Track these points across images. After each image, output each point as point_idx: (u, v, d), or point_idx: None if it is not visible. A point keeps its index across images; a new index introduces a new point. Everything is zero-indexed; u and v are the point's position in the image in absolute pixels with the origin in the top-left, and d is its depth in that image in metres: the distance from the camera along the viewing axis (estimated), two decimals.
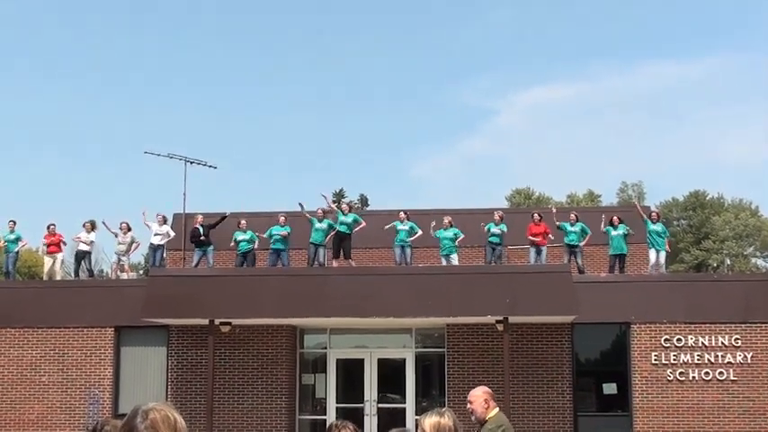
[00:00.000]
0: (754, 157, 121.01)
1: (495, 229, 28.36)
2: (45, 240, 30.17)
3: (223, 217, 29.89)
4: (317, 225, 28.54)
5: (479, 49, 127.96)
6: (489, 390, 9.04)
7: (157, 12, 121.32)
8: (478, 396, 8.86)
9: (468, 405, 8.87)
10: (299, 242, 29.66)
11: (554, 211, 31.16)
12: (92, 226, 29.76)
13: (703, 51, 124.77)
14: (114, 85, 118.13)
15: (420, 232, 28.70)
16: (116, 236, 29.75)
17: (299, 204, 29.36)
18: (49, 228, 29.91)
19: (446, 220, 28.50)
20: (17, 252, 30.68)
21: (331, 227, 28.57)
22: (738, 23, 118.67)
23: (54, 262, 30.16)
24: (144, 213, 30.36)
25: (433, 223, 28.90)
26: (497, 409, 8.97)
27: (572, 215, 28.82)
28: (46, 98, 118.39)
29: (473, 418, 8.80)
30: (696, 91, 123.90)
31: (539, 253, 28.25)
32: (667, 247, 28.53)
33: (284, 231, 28.77)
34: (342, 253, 28.21)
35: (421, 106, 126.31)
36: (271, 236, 28.84)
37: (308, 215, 28.73)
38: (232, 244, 29.37)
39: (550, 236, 28.70)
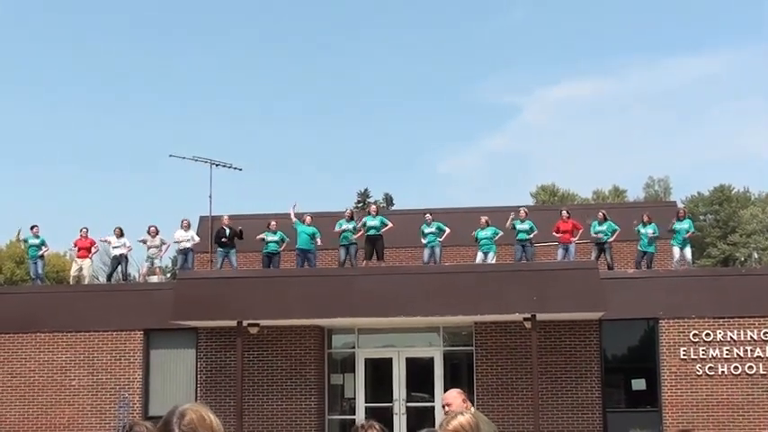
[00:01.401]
0: None
1: (520, 225, 28.28)
2: (75, 244, 30.20)
3: (240, 231, 29.58)
4: (345, 225, 28.60)
5: (503, 46, 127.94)
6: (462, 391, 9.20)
7: (180, 16, 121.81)
8: (456, 397, 8.96)
9: (447, 408, 8.89)
10: (324, 243, 29.64)
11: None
12: (121, 231, 29.80)
13: (728, 45, 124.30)
14: (138, 90, 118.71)
15: (448, 230, 28.72)
16: (145, 242, 29.86)
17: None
18: (81, 231, 29.97)
19: (483, 219, 28.46)
20: (43, 256, 30.77)
21: (356, 230, 28.65)
22: (758, 15, 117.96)
23: (83, 266, 30.23)
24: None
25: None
26: (473, 408, 9.09)
27: (600, 213, 28.75)
28: (70, 105, 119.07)
29: None
30: (721, 84, 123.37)
31: (566, 250, 28.20)
32: (687, 235, 28.33)
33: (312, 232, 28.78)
34: (375, 254, 28.34)
35: (445, 104, 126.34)
36: (296, 229, 28.72)
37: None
38: (260, 237, 29.20)
39: (580, 230, 28.61)
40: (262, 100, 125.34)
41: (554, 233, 28.61)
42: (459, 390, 9.19)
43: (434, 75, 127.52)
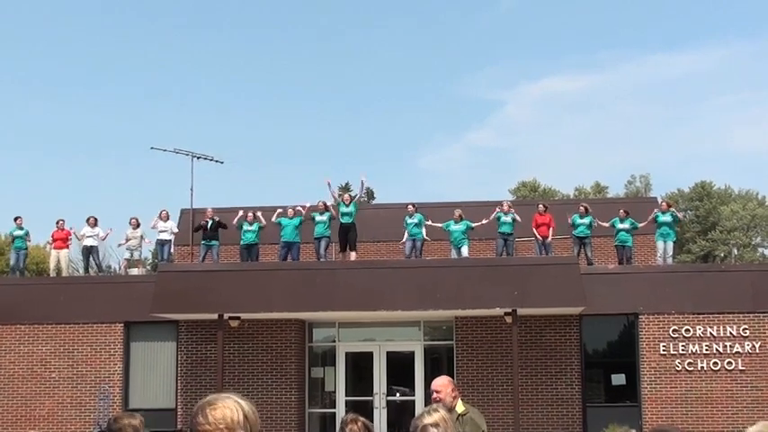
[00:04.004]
0: (762, 146, 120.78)
1: (505, 218, 28.28)
2: (53, 237, 30.15)
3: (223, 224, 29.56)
4: (318, 218, 28.47)
5: (487, 41, 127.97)
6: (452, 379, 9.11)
7: (164, 9, 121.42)
8: (446, 385, 8.84)
9: (435, 395, 8.81)
10: (306, 236, 29.61)
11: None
12: (95, 221, 29.83)
13: (710, 41, 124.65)
14: (120, 81, 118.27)
15: (429, 222, 28.70)
16: (126, 236, 29.88)
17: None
18: (57, 223, 29.96)
19: (456, 213, 28.43)
20: (26, 249, 30.68)
21: (332, 219, 28.45)
22: (745, 12, 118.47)
23: (60, 257, 30.19)
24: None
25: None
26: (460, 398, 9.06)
27: (581, 207, 28.82)
28: (53, 97, 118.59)
29: None
30: (704, 81, 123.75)
31: (543, 244, 28.25)
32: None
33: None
34: (347, 244, 28.19)
35: (428, 98, 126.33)
36: (280, 224, 28.60)
37: (310, 213, 28.66)
38: (236, 222, 29.06)
39: (553, 228, 28.62)
40: (243, 93, 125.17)
41: (533, 228, 28.61)
42: (449, 378, 9.11)
43: (419, 69, 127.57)
